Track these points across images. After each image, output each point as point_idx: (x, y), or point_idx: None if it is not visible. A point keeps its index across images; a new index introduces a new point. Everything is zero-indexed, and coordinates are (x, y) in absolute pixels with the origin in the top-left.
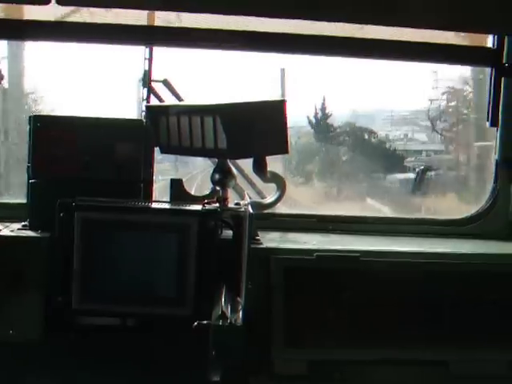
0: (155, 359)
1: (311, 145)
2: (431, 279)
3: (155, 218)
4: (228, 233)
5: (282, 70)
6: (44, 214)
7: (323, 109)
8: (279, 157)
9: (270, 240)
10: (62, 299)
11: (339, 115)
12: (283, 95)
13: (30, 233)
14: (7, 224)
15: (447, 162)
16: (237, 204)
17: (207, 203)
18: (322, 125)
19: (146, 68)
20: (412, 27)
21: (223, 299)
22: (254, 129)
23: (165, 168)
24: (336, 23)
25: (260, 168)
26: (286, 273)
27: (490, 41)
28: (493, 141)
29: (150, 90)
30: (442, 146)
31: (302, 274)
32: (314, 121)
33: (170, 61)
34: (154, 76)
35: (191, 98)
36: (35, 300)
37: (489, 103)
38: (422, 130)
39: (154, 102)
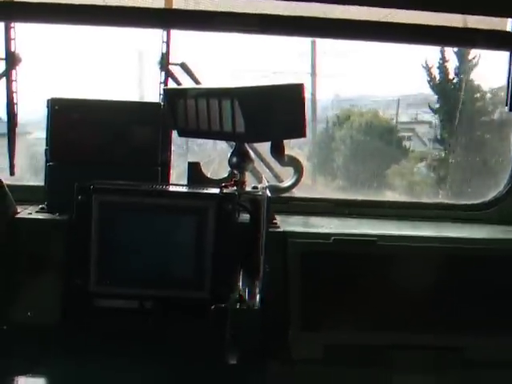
0: (172, 342)
1: None
2: (448, 264)
3: (173, 202)
4: (245, 216)
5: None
6: (62, 197)
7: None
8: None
9: (292, 224)
10: (80, 282)
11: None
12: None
13: (48, 215)
14: (26, 206)
15: None
16: (254, 188)
17: (225, 186)
18: None
19: (164, 51)
20: (430, 10)
21: (240, 282)
22: (272, 112)
23: None
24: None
25: (277, 151)
26: (303, 256)
27: (509, 25)
28: None
29: (168, 73)
30: None
31: (319, 258)
32: None
33: (189, 44)
34: (172, 59)
35: (209, 81)
36: (53, 282)
37: (508, 88)
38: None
39: (171, 85)
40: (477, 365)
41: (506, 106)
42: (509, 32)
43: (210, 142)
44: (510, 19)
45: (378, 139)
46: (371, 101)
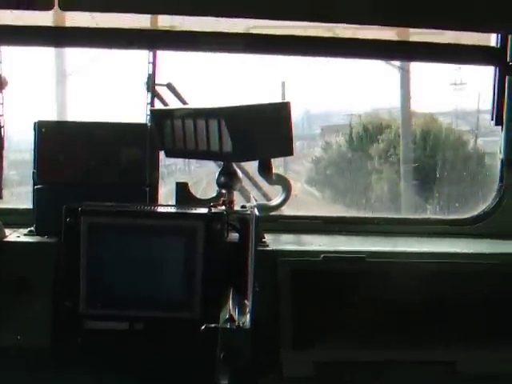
0: (163, 363)
1: None
2: (438, 279)
3: (161, 222)
4: (234, 235)
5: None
6: (50, 220)
7: None
8: None
9: (286, 243)
10: (70, 304)
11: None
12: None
13: (36, 238)
14: (14, 229)
15: None
16: (243, 206)
17: (213, 206)
18: None
19: (150, 72)
20: (414, 27)
21: (231, 302)
22: (259, 131)
23: None
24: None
25: (265, 170)
26: (293, 274)
27: (493, 40)
28: None
29: (155, 94)
30: None
31: (309, 276)
32: None
33: (175, 64)
34: (158, 80)
35: (196, 102)
36: (42, 305)
37: (493, 102)
38: None
39: (158, 105)
40: (469, 378)
41: (492, 120)
42: (493, 47)
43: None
44: (493, 34)
45: None
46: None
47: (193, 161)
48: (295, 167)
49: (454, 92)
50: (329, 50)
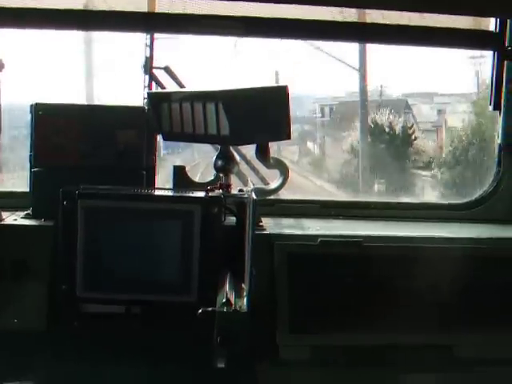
0: (160, 347)
1: None
2: (435, 263)
3: (158, 206)
4: (232, 219)
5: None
6: (47, 203)
7: None
8: None
9: (283, 227)
10: (66, 287)
11: None
12: None
13: (33, 221)
14: (11, 213)
15: None
16: (240, 190)
17: (210, 190)
18: None
19: (147, 55)
20: (411, 11)
21: (227, 286)
22: (257, 115)
23: None
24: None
25: (263, 154)
26: (290, 258)
27: (492, 24)
28: None
29: (152, 77)
30: None
31: (306, 260)
32: None
33: (172, 47)
34: (156, 63)
35: (193, 85)
36: (39, 289)
37: (491, 87)
38: None
39: (155, 88)
40: (466, 362)
41: (490, 104)
42: (491, 32)
43: None
44: (492, 19)
45: None
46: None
47: None
48: None
49: None
50: (327, 33)
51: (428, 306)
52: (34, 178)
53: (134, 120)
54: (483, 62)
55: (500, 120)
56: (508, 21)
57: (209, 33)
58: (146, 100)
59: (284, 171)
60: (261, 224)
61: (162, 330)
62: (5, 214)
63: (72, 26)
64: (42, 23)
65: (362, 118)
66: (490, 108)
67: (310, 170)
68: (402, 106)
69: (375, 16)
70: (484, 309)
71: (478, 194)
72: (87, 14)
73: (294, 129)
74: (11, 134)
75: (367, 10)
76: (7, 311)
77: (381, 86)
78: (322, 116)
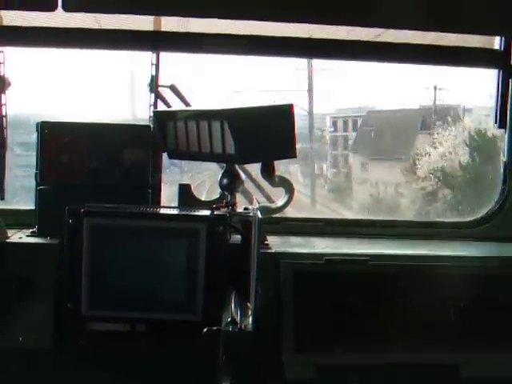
0: (165, 365)
1: None
2: (440, 282)
3: (164, 224)
4: (237, 238)
5: None
6: (52, 221)
7: None
8: None
9: (289, 245)
10: (72, 305)
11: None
12: None
13: (38, 239)
14: (16, 230)
15: None
16: (245, 209)
17: (216, 208)
18: None
19: (153, 73)
20: (417, 30)
21: (233, 304)
22: (262, 133)
23: None
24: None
25: (268, 172)
26: (296, 277)
27: (497, 43)
28: None
29: (157, 96)
30: None
31: (312, 278)
32: None
33: (178, 66)
34: (161, 81)
35: (199, 103)
36: (45, 307)
37: (496, 105)
38: None
39: (161, 107)
40: (473, 381)
41: (496, 122)
42: (497, 50)
43: None
44: (497, 37)
45: None
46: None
47: None
48: None
49: None
50: (330, 52)
51: (434, 325)
52: (40, 196)
53: (139, 138)
54: None
55: (505, 138)
56: None
57: (213, 51)
58: (151, 118)
59: (289, 189)
60: (266, 242)
61: (167, 348)
62: (10, 232)
63: (78, 44)
64: (48, 42)
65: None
66: (495, 126)
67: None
68: (456, 113)
69: (377, 33)
70: (491, 328)
71: (483, 212)
72: (94, 32)
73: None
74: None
75: (379, 31)
76: (13, 329)
77: (434, 88)
78: (335, 130)
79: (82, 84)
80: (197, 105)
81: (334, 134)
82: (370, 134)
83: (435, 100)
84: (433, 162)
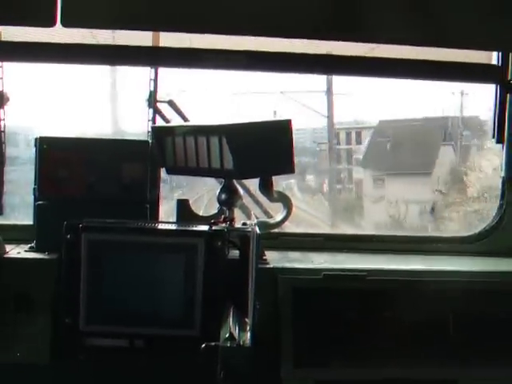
0: (164, 380)
1: None
2: (439, 297)
3: (162, 239)
4: (235, 253)
5: None
6: (51, 236)
7: None
8: None
9: (287, 260)
10: (70, 321)
11: None
12: None
13: (36, 254)
14: (14, 245)
15: None
16: (244, 224)
17: (214, 223)
18: None
19: (152, 89)
20: (414, 45)
21: (231, 320)
22: (260, 149)
23: None
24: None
25: (266, 188)
26: (294, 292)
27: (494, 58)
28: None
29: (156, 111)
30: None
31: (310, 294)
32: None
33: (176, 81)
34: (160, 96)
35: (197, 119)
36: (43, 322)
37: (494, 120)
38: None
39: (159, 122)
40: None
41: (493, 138)
42: (494, 65)
43: None
44: (494, 52)
45: None
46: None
47: None
48: None
49: None
50: (330, 67)
51: (433, 340)
52: (38, 211)
53: (138, 154)
54: None
55: (503, 153)
56: (510, 54)
57: (211, 67)
58: (150, 134)
59: (288, 204)
60: (264, 258)
61: (166, 363)
62: (8, 247)
63: (77, 60)
64: (47, 57)
65: None
66: (493, 141)
67: None
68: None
69: (378, 50)
70: (491, 343)
71: (482, 227)
72: (91, 48)
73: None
74: None
75: (373, 45)
76: (10, 344)
77: (461, 93)
78: (338, 143)
79: (62, 97)
80: (195, 120)
81: (337, 147)
82: (384, 145)
83: (462, 107)
84: (486, 178)
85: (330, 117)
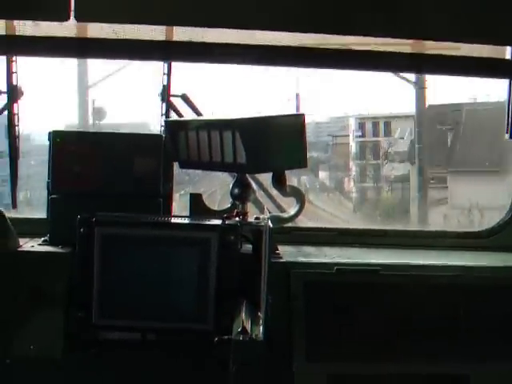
0: (176, 374)
1: None
2: (452, 292)
3: (175, 233)
4: (248, 247)
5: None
6: (64, 230)
7: None
8: None
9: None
10: (83, 314)
11: None
12: None
13: (50, 248)
14: (28, 239)
15: None
16: (256, 218)
17: (227, 218)
18: None
19: (165, 83)
20: (428, 39)
21: (244, 314)
22: (273, 143)
23: None
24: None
25: (279, 182)
26: (306, 286)
27: (508, 53)
28: None
29: (169, 105)
30: None
31: (322, 288)
32: None
33: (189, 75)
34: (173, 91)
35: (210, 113)
36: (56, 315)
37: (508, 115)
38: None
39: (173, 116)
40: None
41: (507, 133)
42: (506, 60)
43: None
44: (509, 47)
45: None
46: None
47: None
48: None
49: None
50: (341, 62)
51: (445, 335)
52: (52, 205)
53: (151, 148)
54: None
55: None
56: None
57: (224, 61)
58: (163, 128)
59: (300, 199)
60: (277, 252)
61: (178, 357)
62: (22, 241)
63: (91, 54)
64: (61, 52)
65: None
66: (507, 136)
67: None
68: None
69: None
70: (504, 337)
71: (495, 222)
72: (106, 42)
73: None
74: None
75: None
76: (24, 337)
77: None
78: (363, 135)
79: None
80: (208, 114)
81: (362, 140)
82: (444, 135)
83: None
84: None
85: None
